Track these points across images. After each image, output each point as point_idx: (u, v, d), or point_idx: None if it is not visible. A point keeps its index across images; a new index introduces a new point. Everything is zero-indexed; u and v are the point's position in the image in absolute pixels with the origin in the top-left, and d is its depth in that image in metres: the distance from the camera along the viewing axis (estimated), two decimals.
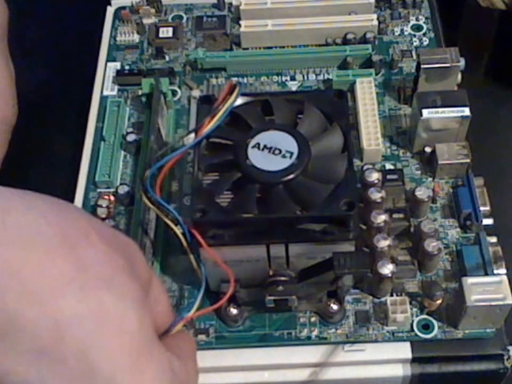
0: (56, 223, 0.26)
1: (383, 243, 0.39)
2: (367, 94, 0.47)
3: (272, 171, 0.37)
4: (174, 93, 0.50)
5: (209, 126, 0.38)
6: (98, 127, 0.48)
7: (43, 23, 0.61)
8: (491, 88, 0.56)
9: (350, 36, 0.51)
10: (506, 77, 0.55)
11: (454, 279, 0.41)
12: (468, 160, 0.44)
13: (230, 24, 0.54)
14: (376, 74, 0.49)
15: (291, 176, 0.37)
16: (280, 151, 0.37)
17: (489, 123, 0.53)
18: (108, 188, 0.45)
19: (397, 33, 0.53)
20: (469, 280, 0.37)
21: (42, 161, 0.53)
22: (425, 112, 0.43)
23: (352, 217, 0.36)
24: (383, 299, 0.40)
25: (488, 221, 0.42)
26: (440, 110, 0.43)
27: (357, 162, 0.45)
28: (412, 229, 0.42)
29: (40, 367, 0.25)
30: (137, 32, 0.53)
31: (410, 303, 0.40)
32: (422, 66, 0.45)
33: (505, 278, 0.37)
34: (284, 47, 0.52)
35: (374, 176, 0.41)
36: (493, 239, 0.41)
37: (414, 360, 0.39)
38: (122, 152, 0.47)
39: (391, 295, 0.40)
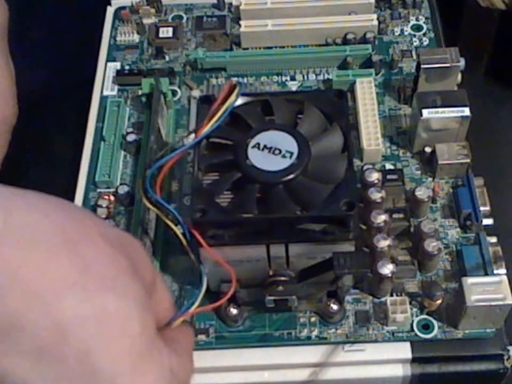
0: (59, 223, 0.26)
1: (383, 243, 0.39)
2: (367, 94, 0.47)
3: (272, 171, 0.37)
4: (174, 93, 0.50)
5: (209, 126, 0.38)
6: (98, 127, 0.48)
7: (43, 23, 0.61)
8: (491, 88, 0.56)
9: (350, 36, 0.51)
10: (506, 77, 0.55)
11: (454, 279, 0.41)
12: (468, 160, 0.44)
13: (230, 24, 0.54)
14: (376, 74, 0.49)
15: (291, 176, 0.37)
16: (280, 151, 0.37)
17: (489, 123, 0.53)
18: (108, 187, 0.45)
19: (397, 33, 0.53)
20: (469, 280, 0.37)
21: (42, 161, 0.53)
22: (425, 112, 0.43)
23: (352, 217, 0.36)
24: (383, 299, 0.40)
25: (488, 221, 0.42)
26: (440, 110, 0.43)
27: (357, 162, 0.45)
28: (412, 229, 0.42)
29: (41, 368, 0.25)
30: (137, 32, 0.53)
31: (410, 303, 0.40)
32: (422, 66, 0.45)
33: (505, 278, 0.37)
34: (284, 47, 0.52)
35: (374, 176, 0.41)
36: (493, 239, 0.41)
37: (414, 360, 0.39)
38: (122, 152, 0.47)
39: (391, 295, 0.40)
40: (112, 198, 0.45)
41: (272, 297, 0.38)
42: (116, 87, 0.50)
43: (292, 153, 0.37)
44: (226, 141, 0.39)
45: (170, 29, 0.53)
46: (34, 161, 0.53)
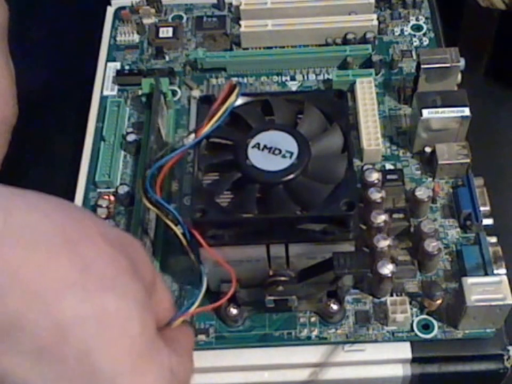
0: (59, 223, 0.26)
1: (383, 243, 0.39)
2: (367, 94, 0.47)
3: (272, 171, 0.37)
4: (174, 93, 0.50)
5: (209, 126, 0.38)
6: (98, 127, 0.48)
7: (43, 23, 0.61)
8: (491, 88, 0.56)
9: (350, 36, 0.51)
10: (506, 77, 0.55)
11: (454, 279, 0.41)
12: (468, 160, 0.44)
13: (230, 24, 0.54)
14: (376, 74, 0.49)
15: (291, 176, 0.37)
16: (280, 151, 0.37)
17: (489, 123, 0.53)
18: (108, 187, 0.45)
19: (397, 33, 0.53)
20: (469, 280, 0.37)
21: (42, 161, 0.53)
22: (425, 112, 0.43)
23: (352, 217, 0.36)
24: (383, 299, 0.40)
25: (488, 221, 0.42)
26: (440, 110, 0.43)
27: (357, 162, 0.45)
28: (412, 229, 0.42)
29: (41, 368, 0.25)
30: (137, 32, 0.53)
31: (410, 303, 0.40)
32: (422, 66, 0.45)
33: (505, 278, 0.37)
34: (284, 47, 0.52)
35: (374, 176, 0.41)
36: (493, 239, 0.41)
37: (414, 360, 0.39)
38: (122, 152, 0.47)
39: (391, 295, 0.40)
40: (112, 198, 0.45)
41: (272, 297, 0.38)
42: (116, 87, 0.50)
43: (291, 153, 0.37)
44: (226, 141, 0.39)
45: (170, 29, 0.53)
46: (34, 161, 0.53)
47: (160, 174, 0.38)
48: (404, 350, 0.39)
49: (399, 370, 0.39)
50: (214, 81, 0.51)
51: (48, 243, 0.25)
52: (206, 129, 0.38)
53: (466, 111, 0.43)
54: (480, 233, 0.41)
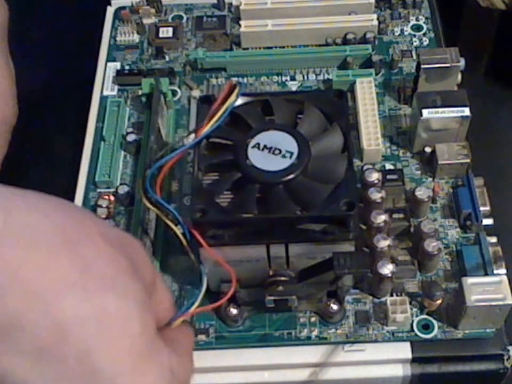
0: (59, 223, 0.26)
1: (383, 243, 0.39)
2: (367, 94, 0.47)
3: (272, 171, 0.37)
4: (174, 93, 0.50)
5: (209, 126, 0.38)
6: (98, 127, 0.48)
7: (43, 23, 0.61)
8: (491, 88, 0.56)
9: (350, 36, 0.51)
10: (506, 77, 0.55)
11: (454, 279, 0.41)
12: (468, 160, 0.44)
13: (230, 24, 0.54)
14: (376, 74, 0.49)
15: (291, 176, 0.37)
16: (280, 151, 0.37)
17: (489, 123, 0.53)
18: (108, 188, 0.45)
19: (397, 33, 0.53)
20: (469, 280, 0.37)
21: (42, 161, 0.53)
22: (425, 112, 0.43)
23: (352, 217, 0.36)
24: (383, 299, 0.40)
25: (488, 221, 0.42)
26: (440, 110, 0.43)
27: (357, 162, 0.45)
28: (412, 229, 0.42)
29: (41, 368, 0.25)
30: (137, 32, 0.53)
31: (410, 303, 0.40)
32: (422, 66, 0.45)
33: (505, 278, 0.37)
34: (284, 47, 0.52)
35: (374, 176, 0.41)
36: (493, 239, 0.41)
37: (414, 360, 0.39)
38: (122, 152, 0.47)
39: (391, 295, 0.40)
40: (112, 198, 0.45)
41: (272, 297, 0.38)
42: (116, 87, 0.50)
43: (291, 153, 0.37)
44: (226, 141, 0.39)
45: (170, 29, 0.53)
46: (34, 161, 0.53)
47: (160, 174, 0.38)
48: (404, 350, 0.39)
49: (399, 370, 0.39)
50: (214, 81, 0.51)
51: (48, 243, 0.25)
52: (206, 129, 0.38)
53: (466, 111, 0.43)
54: (480, 233, 0.41)
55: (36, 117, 0.51)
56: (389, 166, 0.45)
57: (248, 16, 0.52)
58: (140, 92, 0.49)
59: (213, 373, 0.39)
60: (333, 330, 0.39)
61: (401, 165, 0.45)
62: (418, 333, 0.39)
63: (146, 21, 0.54)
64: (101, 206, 0.44)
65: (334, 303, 0.39)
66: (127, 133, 0.47)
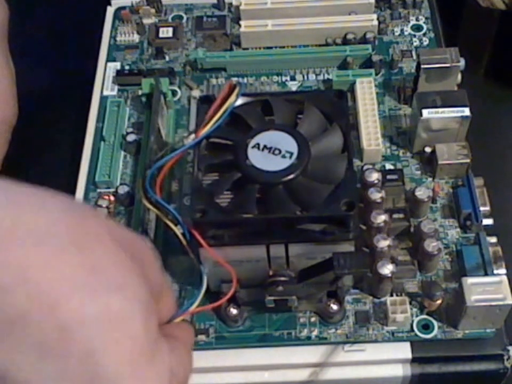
0: (68, 223, 0.26)
1: (383, 243, 0.39)
2: (367, 94, 0.47)
3: (272, 171, 0.37)
4: (174, 93, 0.50)
5: (209, 126, 0.38)
6: (98, 127, 0.48)
7: (43, 23, 0.61)
8: (491, 88, 0.56)
9: (350, 36, 0.51)
10: (506, 77, 0.55)
11: (454, 279, 0.41)
12: (468, 160, 0.44)
13: (230, 24, 0.54)
14: (376, 74, 0.49)
15: (291, 176, 0.37)
16: (280, 151, 0.37)
17: (489, 123, 0.53)
18: (108, 188, 0.45)
19: (397, 33, 0.53)
20: (469, 280, 0.37)
21: (42, 161, 0.53)
22: (425, 112, 0.43)
23: (352, 217, 0.36)
24: (383, 299, 0.40)
25: (488, 221, 0.42)
26: (440, 110, 0.43)
27: (357, 162, 0.45)
28: (412, 229, 0.42)
29: (44, 367, 0.25)
30: (137, 32, 0.53)
31: (410, 303, 0.40)
32: (422, 66, 0.45)
33: (505, 278, 0.37)
34: (284, 47, 0.52)
35: (374, 176, 0.41)
36: (493, 239, 0.41)
37: (414, 360, 0.39)
38: (122, 152, 0.47)
39: (391, 295, 0.40)
40: (112, 198, 0.45)
41: (272, 297, 0.38)
42: (116, 87, 0.50)
43: (291, 153, 0.37)
44: (226, 141, 0.39)
45: (170, 29, 0.53)
46: (34, 161, 0.53)
47: (160, 174, 0.38)
48: (404, 350, 0.39)
49: (399, 370, 0.39)
50: (214, 81, 0.51)
51: (56, 242, 0.25)
52: (206, 129, 0.38)
53: (466, 111, 0.43)
54: (480, 233, 0.41)
55: (36, 117, 0.51)
56: (389, 166, 0.45)
57: (248, 16, 0.52)
58: (140, 92, 0.49)
59: (213, 373, 0.39)
60: (333, 330, 0.39)
61: (401, 165, 0.45)
62: (418, 333, 0.39)
63: (146, 21, 0.54)
64: (101, 206, 0.44)
65: (334, 303, 0.39)
66: (127, 133, 0.47)
